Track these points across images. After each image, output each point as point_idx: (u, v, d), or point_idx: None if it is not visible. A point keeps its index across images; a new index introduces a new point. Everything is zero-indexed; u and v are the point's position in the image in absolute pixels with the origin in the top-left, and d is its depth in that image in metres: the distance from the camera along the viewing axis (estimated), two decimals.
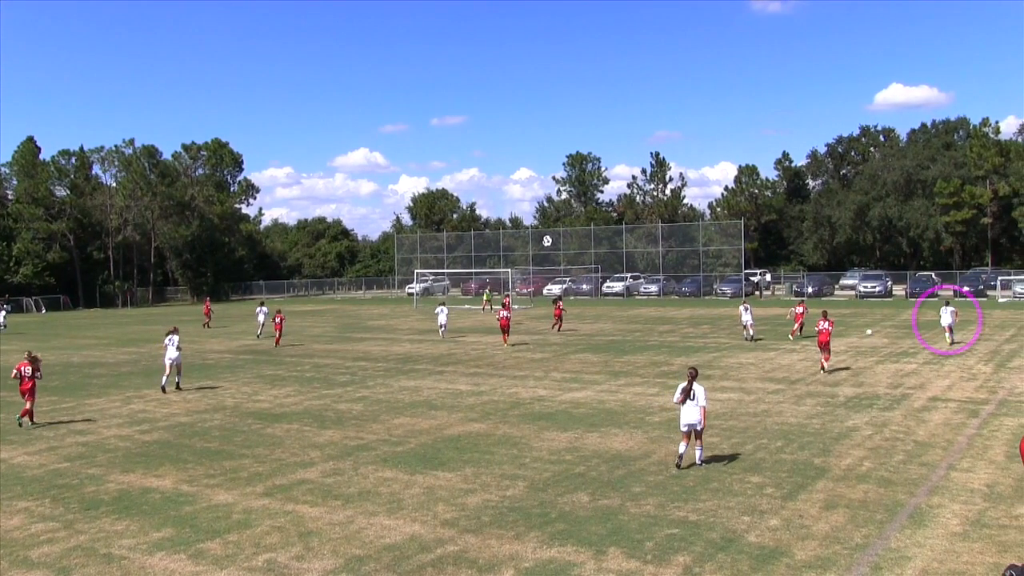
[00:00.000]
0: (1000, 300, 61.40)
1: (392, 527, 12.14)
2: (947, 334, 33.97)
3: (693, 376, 15.20)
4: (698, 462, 15.19)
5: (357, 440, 18.24)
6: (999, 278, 66.71)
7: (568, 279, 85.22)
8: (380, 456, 16.66)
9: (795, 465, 15.14)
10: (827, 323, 26.87)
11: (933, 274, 73.90)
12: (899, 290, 72.12)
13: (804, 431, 18.06)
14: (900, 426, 18.36)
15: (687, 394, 14.94)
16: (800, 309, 37.25)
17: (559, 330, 43.41)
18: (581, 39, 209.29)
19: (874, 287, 69.02)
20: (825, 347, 26.84)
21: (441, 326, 41.94)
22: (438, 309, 42.80)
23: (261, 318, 45.12)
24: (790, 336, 37.01)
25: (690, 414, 14.92)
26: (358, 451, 17.16)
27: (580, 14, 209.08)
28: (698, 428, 14.98)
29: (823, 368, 26.91)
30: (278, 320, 39.70)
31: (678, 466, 15.07)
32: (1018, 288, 63.00)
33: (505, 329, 37.77)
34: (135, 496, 14.09)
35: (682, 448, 15.19)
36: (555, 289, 78.48)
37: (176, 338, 25.85)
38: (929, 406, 20.62)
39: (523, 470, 15.27)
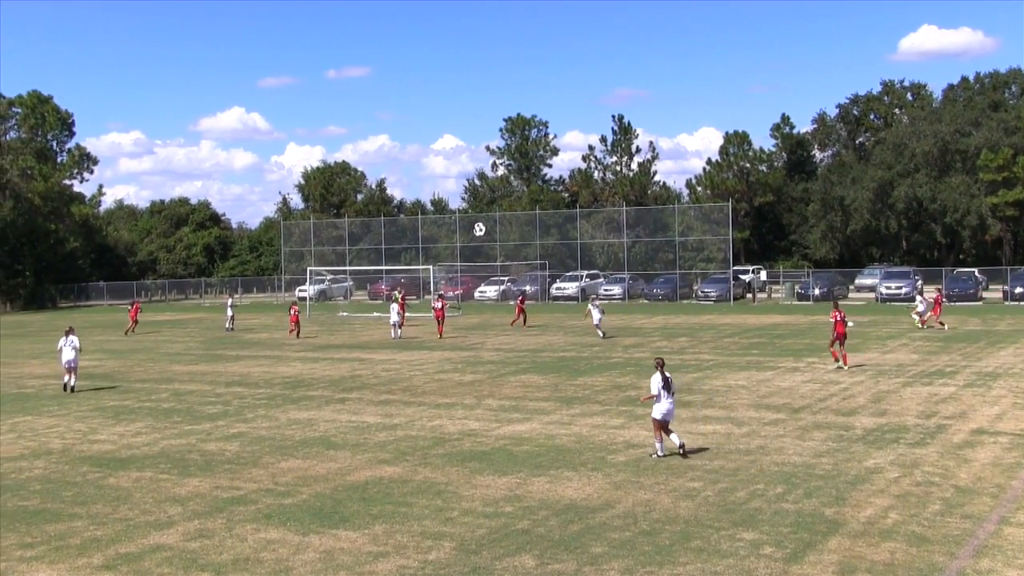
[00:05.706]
0: None
1: None
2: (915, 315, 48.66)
3: (662, 365, 19.70)
4: (680, 444, 19.24)
5: (232, 491, 18.11)
6: None
7: (506, 279, 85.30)
8: (262, 511, 16.56)
9: (800, 517, 15.30)
10: (840, 313, 32.00)
11: (976, 271, 74.50)
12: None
13: (811, 473, 18.26)
14: (935, 466, 18.63)
15: (668, 385, 18.79)
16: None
17: (521, 325, 53.07)
18: None
19: (900, 288, 69.48)
20: (842, 340, 32.11)
21: (394, 324, 49.03)
22: (392, 307, 50.30)
23: (229, 312, 57.05)
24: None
25: (667, 405, 19.10)
26: (233, 505, 17.04)
27: None
28: (671, 419, 19.05)
29: (843, 365, 31.94)
30: (294, 312, 51.04)
31: (653, 456, 19.16)
32: None
33: (440, 320, 47.99)
34: None
35: (659, 440, 19.22)
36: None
37: (75, 339, 31.11)
38: (973, 440, 20.96)
39: (450, 526, 15.28)
